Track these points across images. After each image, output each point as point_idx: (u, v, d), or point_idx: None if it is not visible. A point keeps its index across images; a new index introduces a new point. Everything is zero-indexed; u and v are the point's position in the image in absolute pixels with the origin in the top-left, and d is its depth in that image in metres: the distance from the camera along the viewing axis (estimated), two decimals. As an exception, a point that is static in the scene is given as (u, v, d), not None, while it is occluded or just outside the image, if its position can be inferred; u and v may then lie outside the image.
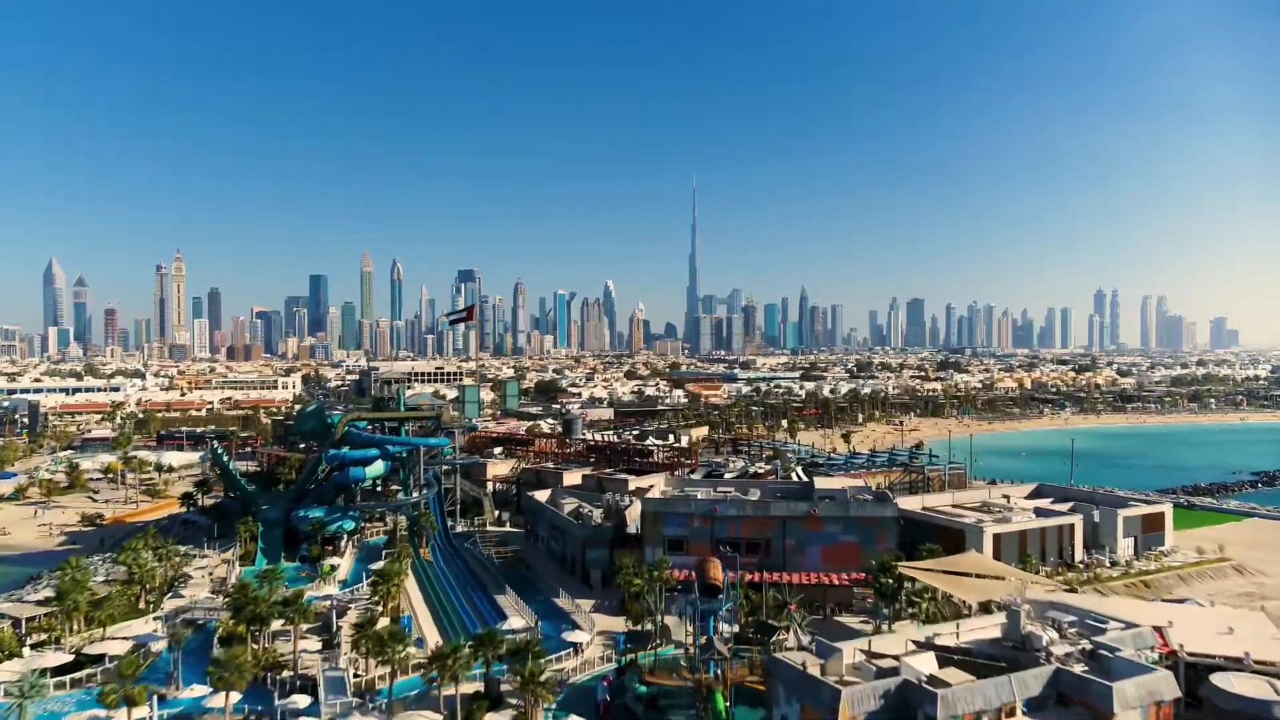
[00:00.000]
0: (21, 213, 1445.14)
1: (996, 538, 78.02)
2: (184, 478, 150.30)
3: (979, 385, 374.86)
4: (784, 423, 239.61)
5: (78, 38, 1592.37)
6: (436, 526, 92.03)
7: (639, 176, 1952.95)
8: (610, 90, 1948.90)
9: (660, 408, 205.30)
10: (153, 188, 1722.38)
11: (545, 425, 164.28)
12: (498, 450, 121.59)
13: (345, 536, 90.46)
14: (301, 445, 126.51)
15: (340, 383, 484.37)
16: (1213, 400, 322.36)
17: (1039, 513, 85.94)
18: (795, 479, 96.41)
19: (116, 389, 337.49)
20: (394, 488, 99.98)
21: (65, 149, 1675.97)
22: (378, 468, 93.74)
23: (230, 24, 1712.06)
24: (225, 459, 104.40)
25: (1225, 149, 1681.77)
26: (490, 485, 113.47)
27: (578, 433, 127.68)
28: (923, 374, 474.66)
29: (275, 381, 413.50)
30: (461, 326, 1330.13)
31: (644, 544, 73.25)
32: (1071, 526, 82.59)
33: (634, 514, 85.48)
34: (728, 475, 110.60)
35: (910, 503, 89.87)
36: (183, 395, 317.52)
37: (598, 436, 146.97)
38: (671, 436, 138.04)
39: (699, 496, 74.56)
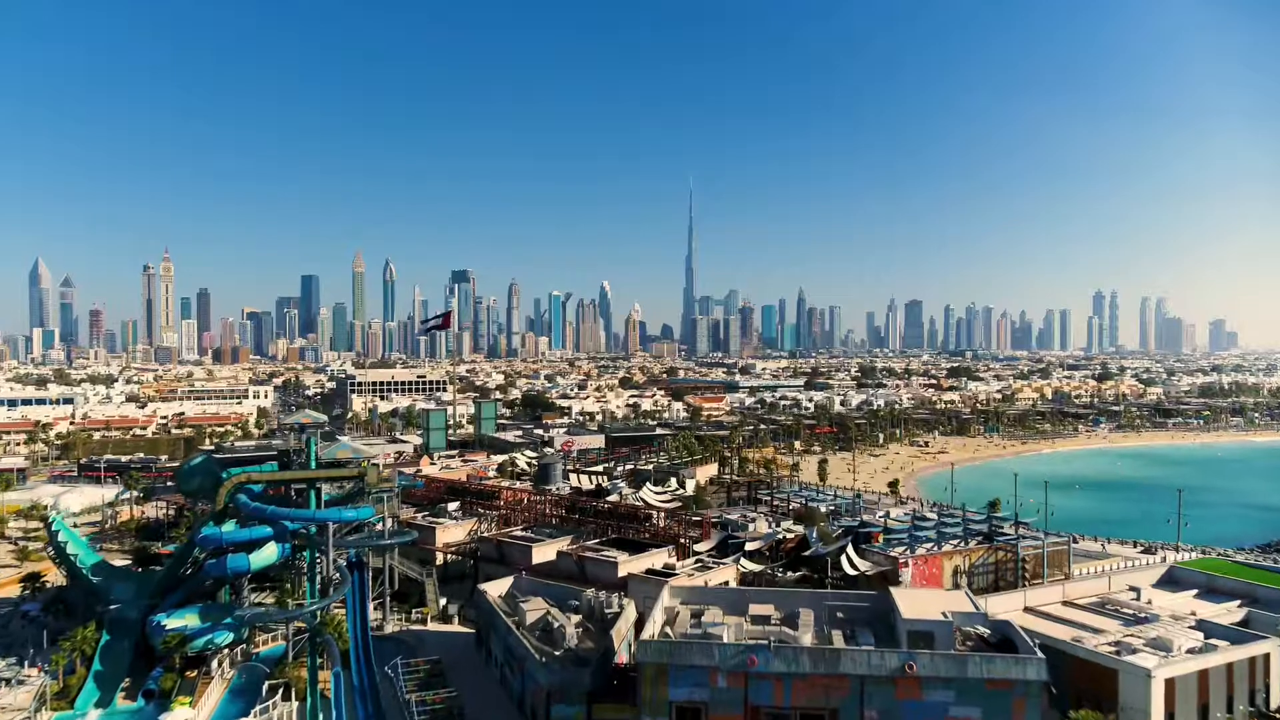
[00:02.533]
0: (7, 212, 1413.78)
1: (1169, 684, 52.03)
2: (82, 526, 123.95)
3: (998, 396, 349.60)
4: (796, 444, 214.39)
5: (66, 36, 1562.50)
6: (350, 638, 65.68)
7: (635, 177, 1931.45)
8: (607, 90, 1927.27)
9: (658, 432, 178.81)
10: (142, 187, 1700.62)
11: (523, 459, 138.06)
12: (453, 506, 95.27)
13: (223, 652, 64.24)
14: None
15: (319, 390, 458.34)
16: (1256, 415, 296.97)
17: (1205, 631, 59.95)
18: (848, 566, 70.25)
19: (69, 401, 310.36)
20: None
21: (53, 147, 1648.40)
22: (270, 553, 67.33)
23: (222, 23, 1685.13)
24: (56, 524, 77.97)
25: (1224, 150, 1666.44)
26: (440, 558, 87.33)
27: (556, 479, 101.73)
28: (934, 382, 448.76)
29: (246, 391, 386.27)
30: (455, 328, 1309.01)
31: (641, 708, 47.14)
32: (1266, 658, 56.63)
33: (625, 626, 59.70)
34: (750, 544, 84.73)
35: (1005, 604, 64.28)
36: (141, 407, 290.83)
37: (584, 479, 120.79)
38: (674, 480, 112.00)
39: (724, 638, 48.16)
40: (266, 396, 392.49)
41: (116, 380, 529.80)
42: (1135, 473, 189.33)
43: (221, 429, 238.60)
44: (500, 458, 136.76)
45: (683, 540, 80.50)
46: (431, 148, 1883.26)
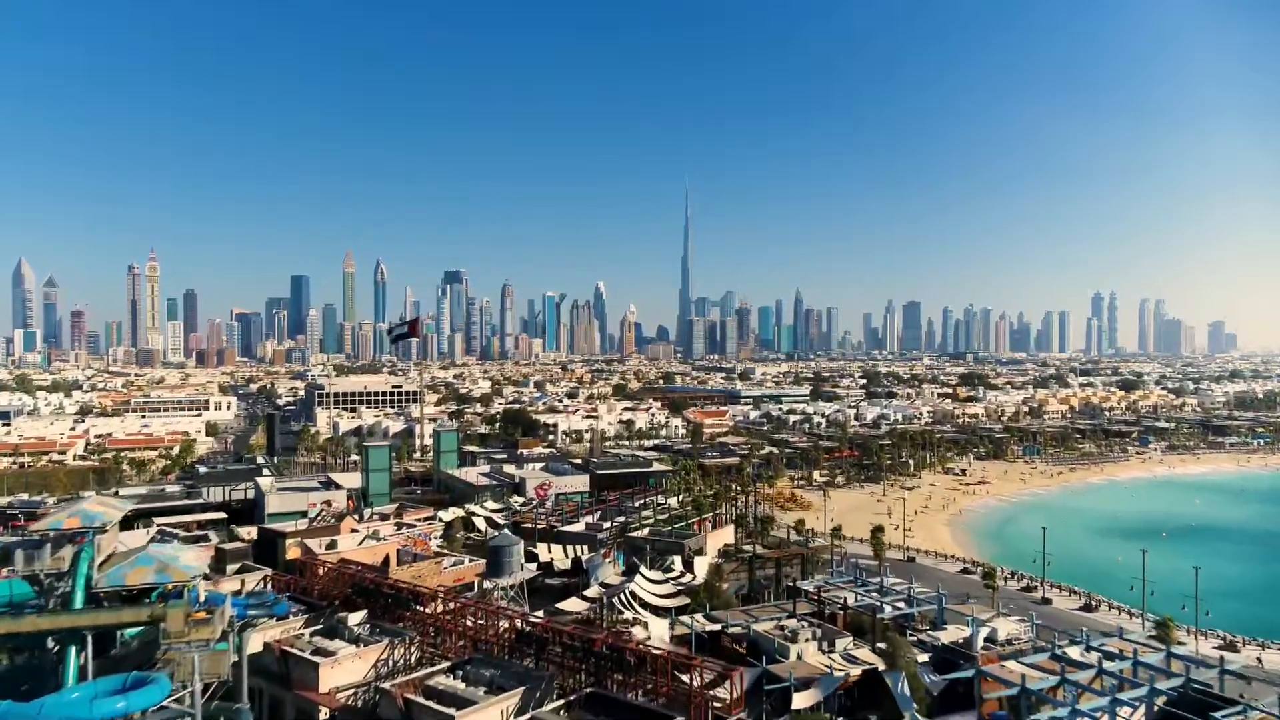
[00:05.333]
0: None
1: None
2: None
3: (1025, 410, 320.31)
4: (816, 474, 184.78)
5: (58, 35, 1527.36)
6: None
7: (632, 177, 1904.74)
8: (604, 90, 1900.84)
9: (655, 468, 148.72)
10: (130, 186, 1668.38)
11: (482, 513, 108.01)
12: (355, 620, 65.15)
13: None
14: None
15: (292, 399, 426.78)
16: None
17: None
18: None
19: (4, 416, 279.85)
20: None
21: (38, 144, 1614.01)
22: (-45, 789, 37.45)
23: (215, 22, 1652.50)
24: None
25: (1224, 150, 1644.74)
26: (326, 713, 57.31)
27: (513, 569, 71.55)
28: (949, 391, 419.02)
29: (207, 402, 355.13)
30: (447, 329, 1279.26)
31: None
32: None
33: None
34: (800, 696, 55.27)
35: None
36: (78, 423, 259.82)
37: (557, 550, 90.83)
38: (678, 560, 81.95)
39: None
40: (230, 408, 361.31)
41: (82, 386, 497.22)
42: (1220, 513, 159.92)
43: (156, 451, 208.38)
44: (453, 513, 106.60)
45: (695, 696, 50.61)
46: (425, 147, 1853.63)
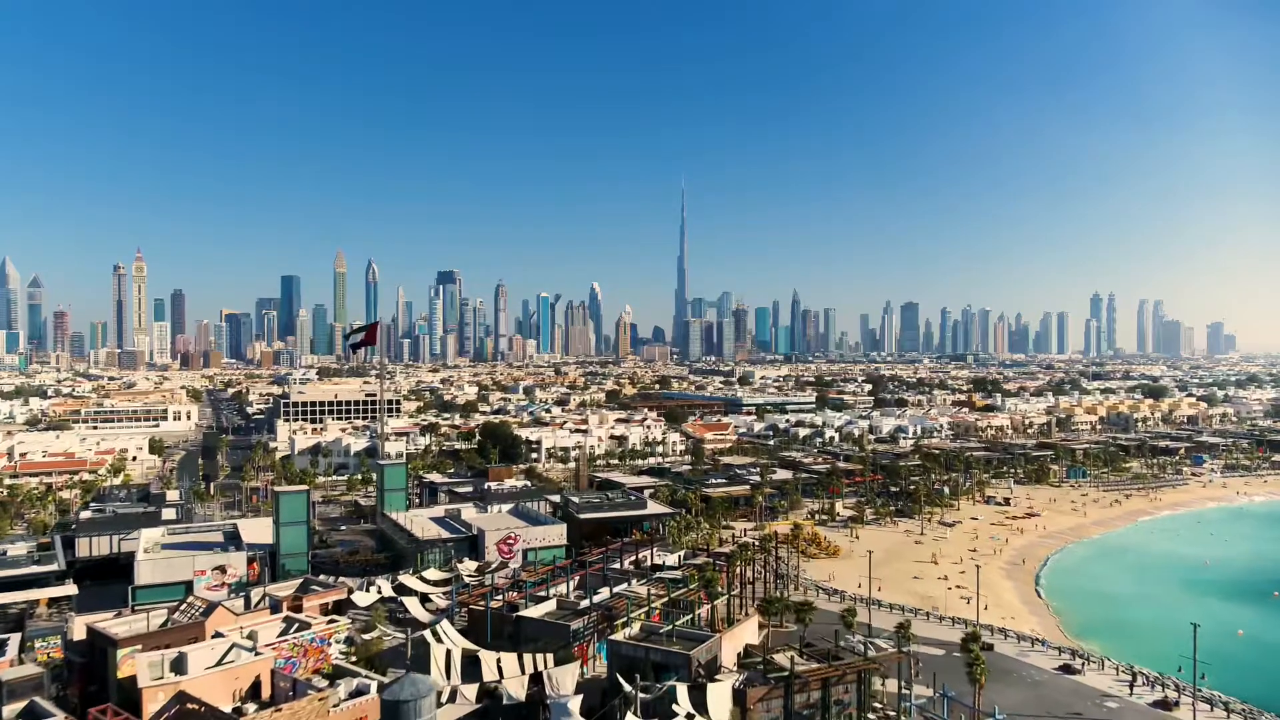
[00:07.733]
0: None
1: None
2: None
3: (1052, 419, 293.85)
4: (839, 505, 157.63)
5: (38, 31, 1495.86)
6: None
7: (627, 177, 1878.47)
8: (599, 90, 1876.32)
9: (650, 509, 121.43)
10: (118, 185, 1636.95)
11: (418, 591, 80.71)
12: None
13: None
14: None
15: (264, 405, 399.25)
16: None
17: None
18: None
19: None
20: None
21: (25, 142, 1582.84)
22: None
23: (201, 20, 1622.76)
24: None
25: (1222, 151, 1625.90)
26: None
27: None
28: (963, 398, 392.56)
29: (164, 412, 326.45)
30: (439, 330, 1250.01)
31: None
32: None
33: None
34: None
35: None
36: (3, 441, 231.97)
37: (507, 662, 63.60)
38: (682, 691, 54.75)
39: None
40: (190, 418, 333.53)
41: (47, 392, 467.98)
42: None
43: (77, 474, 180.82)
44: (375, 593, 78.94)
45: None
46: (419, 146, 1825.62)
